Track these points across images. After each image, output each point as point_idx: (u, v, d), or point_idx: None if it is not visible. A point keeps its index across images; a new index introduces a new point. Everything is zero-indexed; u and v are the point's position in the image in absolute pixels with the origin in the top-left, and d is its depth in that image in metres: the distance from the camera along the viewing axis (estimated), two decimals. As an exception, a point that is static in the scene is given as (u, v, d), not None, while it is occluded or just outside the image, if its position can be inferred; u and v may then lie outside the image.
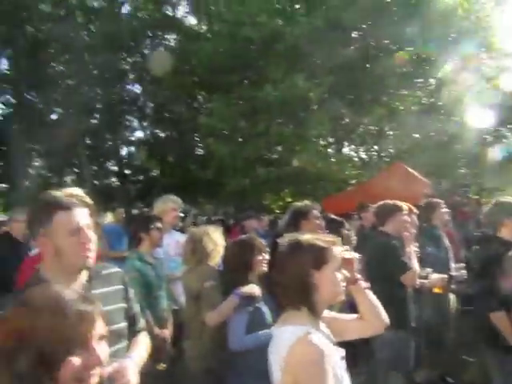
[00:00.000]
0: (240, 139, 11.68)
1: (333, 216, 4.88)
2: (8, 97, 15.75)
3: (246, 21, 10.50)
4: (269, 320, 2.87)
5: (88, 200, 1.86)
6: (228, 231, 6.15)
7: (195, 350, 3.11)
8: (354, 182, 14.59)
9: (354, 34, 13.93)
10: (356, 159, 16.21)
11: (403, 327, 3.31)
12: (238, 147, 10.90)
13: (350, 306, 2.31)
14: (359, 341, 2.27)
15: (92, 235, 1.72)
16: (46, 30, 14.64)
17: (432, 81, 13.90)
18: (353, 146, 16.57)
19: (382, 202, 3.84)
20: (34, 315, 1.01)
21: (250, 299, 2.85)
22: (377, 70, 11.51)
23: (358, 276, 1.80)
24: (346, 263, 1.73)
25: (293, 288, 1.62)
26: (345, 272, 1.72)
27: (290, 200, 15.21)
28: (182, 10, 17.00)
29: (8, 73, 15.44)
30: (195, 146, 17.00)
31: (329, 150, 15.33)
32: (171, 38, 16.86)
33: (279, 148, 11.86)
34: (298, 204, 4.04)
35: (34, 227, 1.68)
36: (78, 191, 1.86)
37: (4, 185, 17.02)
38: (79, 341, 1.03)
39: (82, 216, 1.70)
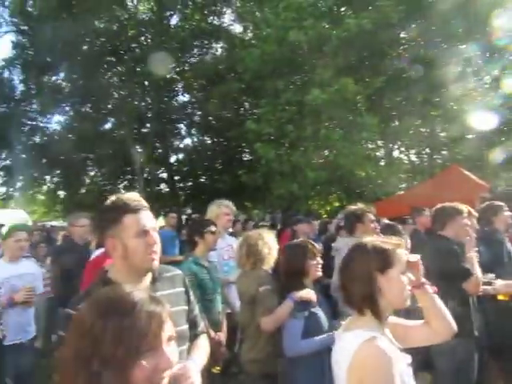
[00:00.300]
0: (287, 144, 11.66)
1: (386, 220, 4.77)
2: (67, 108, 16.60)
3: (293, 25, 10.50)
4: (325, 325, 2.83)
5: (147, 204, 1.91)
6: (278, 236, 6.14)
7: (251, 354, 3.10)
8: (404, 185, 14.21)
9: (403, 34, 13.61)
10: (406, 162, 15.77)
11: (466, 336, 3.15)
12: (286, 152, 10.88)
13: (406, 313, 2.23)
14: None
15: (157, 238, 1.77)
16: (100, 44, 15.36)
17: (487, 78, 13.30)
18: (403, 149, 16.16)
19: (440, 205, 3.68)
20: (104, 316, 1.00)
21: (305, 304, 2.82)
22: (427, 71, 11.14)
23: (424, 280, 1.74)
24: (411, 266, 1.68)
25: (357, 291, 1.59)
26: (410, 275, 1.66)
27: (337, 204, 15.02)
28: (227, 19, 17.32)
29: (64, 85, 16.30)
30: (243, 151, 17.18)
31: (378, 153, 15.01)
32: (218, 47, 17.20)
33: (327, 152, 11.73)
34: (352, 207, 3.98)
35: (102, 229, 1.73)
36: (138, 196, 1.91)
37: (62, 192, 17.96)
38: (150, 342, 1.01)
39: (149, 219, 1.75)
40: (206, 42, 16.88)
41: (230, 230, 6.44)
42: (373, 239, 1.67)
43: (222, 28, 16.80)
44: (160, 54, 13.76)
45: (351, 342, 1.52)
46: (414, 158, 16.58)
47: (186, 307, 1.92)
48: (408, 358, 1.61)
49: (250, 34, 16.29)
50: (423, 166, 15.53)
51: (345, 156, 10.52)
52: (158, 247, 1.77)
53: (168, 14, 16.05)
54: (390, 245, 1.62)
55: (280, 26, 10.99)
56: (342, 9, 13.35)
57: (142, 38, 16.08)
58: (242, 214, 16.27)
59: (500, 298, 3.81)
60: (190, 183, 18.54)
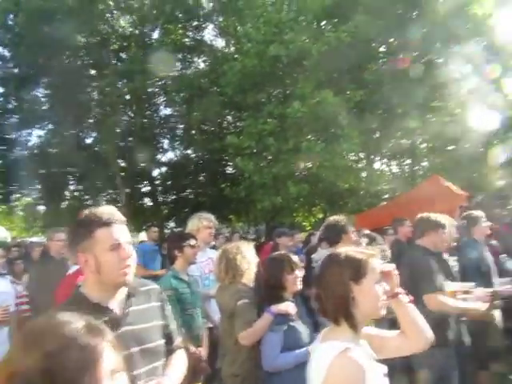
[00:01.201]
0: (269, 157, 11.73)
1: (366, 231, 4.81)
2: (46, 123, 16.40)
3: (274, 39, 10.64)
4: (305, 338, 2.81)
5: (123, 218, 1.89)
6: (259, 249, 6.13)
7: (232, 368, 3.06)
8: (386, 196, 14.35)
9: (383, 49, 13.90)
10: (388, 173, 15.97)
11: (445, 345, 3.17)
12: (267, 164, 10.92)
13: (391, 323, 2.23)
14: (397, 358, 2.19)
15: (131, 251, 1.74)
16: (81, 57, 15.32)
17: (463, 92, 13.61)
18: (385, 160, 16.37)
19: (424, 215, 3.74)
20: (29, 355, 0.87)
21: (284, 317, 2.81)
22: (405, 83, 11.37)
23: (399, 289, 1.74)
24: (386, 276, 1.69)
25: (331, 302, 1.59)
26: (385, 285, 1.67)
27: (321, 216, 15.09)
28: (209, 33, 17.46)
29: (45, 99, 16.14)
30: (226, 164, 17.18)
31: (360, 164, 15.18)
32: (200, 61, 17.29)
33: (310, 164, 11.83)
34: (335, 218, 3.98)
35: (74, 243, 1.71)
36: (113, 209, 1.90)
37: (42, 207, 17.66)
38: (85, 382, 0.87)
39: (122, 232, 1.73)
40: (188, 56, 16.96)
41: (213, 243, 6.43)
42: (347, 249, 1.67)
43: (204, 42, 16.92)
44: (142, 68, 13.78)
45: (325, 353, 1.52)
46: (395, 169, 16.82)
47: (162, 322, 1.89)
48: (384, 369, 1.61)
49: (232, 49, 16.46)
50: (405, 176, 15.74)
51: (326, 168, 10.61)
52: (132, 261, 1.75)
53: (149, 28, 16.11)
54: (363, 255, 1.63)
55: (261, 40, 11.13)
56: (323, 23, 13.61)
57: (124, 53, 16.09)
58: (226, 228, 16.27)
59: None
60: (173, 197, 18.44)
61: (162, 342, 1.85)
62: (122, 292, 1.78)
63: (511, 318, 4.43)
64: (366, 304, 1.58)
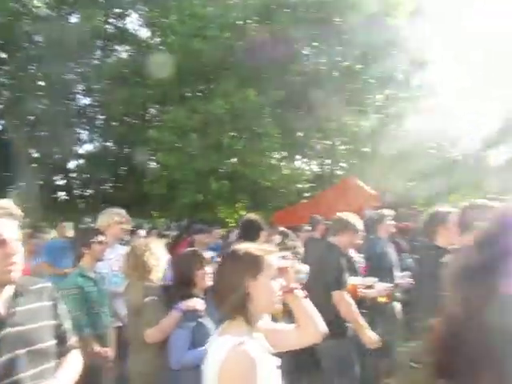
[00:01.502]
0: (192, 152, 11.61)
1: (281, 228, 4.94)
2: None
3: (198, 33, 10.53)
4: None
5: (17, 212, 1.77)
6: (177, 246, 6.05)
7: (138, 367, 3.00)
8: (308, 194, 14.85)
9: (306, 52, 14.33)
10: (309, 172, 16.52)
11: (342, 337, 3.36)
12: (189, 160, 10.81)
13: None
14: (304, 351, 2.27)
15: (19, 248, 1.65)
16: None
17: (379, 97, 14.48)
18: (306, 160, 16.90)
19: (340, 214, 3.93)
20: None
21: (193, 314, 2.79)
22: (328, 86, 11.83)
23: (295, 285, 1.80)
24: (282, 272, 1.74)
25: (228, 297, 1.61)
26: (281, 281, 1.72)
27: (245, 213, 15.23)
28: (134, 23, 16.86)
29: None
30: (148, 159, 16.71)
31: (282, 163, 15.54)
32: (123, 50, 16.62)
33: (232, 161, 11.90)
34: (251, 216, 4.07)
35: None
36: (6, 203, 1.78)
37: None
38: None
39: (7, 228, 1.63)
40: (109, 43, 16.25)
41: (129, 238, 6.23)
42: (246, 246, 1.70)
43: (127, 31, 16.30)
44: (59, 52, 12.96)
45: (220, 347, 1.54)
46: (316, 168, 17.43)
47: (54, 322, 1.81)
48: (277, 361, 1.66)
49: (157, 40, 16.01)
50: (324, 176, 16.37)
51: (247, 165, 10.74)
52: (19, 258, 1.65)
53: (67, 12, 15.18)
54: (261, 251, 1.67)
55: (185, 33, 10.95)
56: (249, 21, 13.71)
57: (37, 35, 15.00)
58: (147, 223, 15.83)
59: (380, 300, 4.12)
60: (91, 191, 17.58)
61: (53, 342, 1.77)
62: (8, 291, 1.67)
63: (410, 309, 4.78)
64: (262, 299, 1.62)
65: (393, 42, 12.47)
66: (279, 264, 1.72)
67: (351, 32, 11.98)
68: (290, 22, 11.37)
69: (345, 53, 12.72)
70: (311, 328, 1.80)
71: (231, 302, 1.60)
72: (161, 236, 8.65)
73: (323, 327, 1.83)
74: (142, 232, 9.33)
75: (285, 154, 15.02)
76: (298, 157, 16.17)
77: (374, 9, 11.69)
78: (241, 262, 1.63)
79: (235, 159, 11.42)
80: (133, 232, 7.63)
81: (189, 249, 3.24)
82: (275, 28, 11.24)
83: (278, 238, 4.42)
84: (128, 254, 3.17)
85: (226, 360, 1.48)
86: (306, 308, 1.81)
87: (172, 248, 5.48)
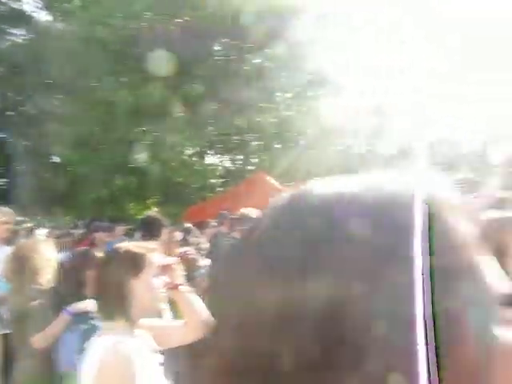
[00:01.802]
0: (98, 147, 11.05)
1: (186, 224, 4.91)
2: None
3: (100, 22, 9.99)
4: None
5: None
6: (79, 245, 5.74)
7: (24, 375, 2.82)
8: (221, 189, 14.90)
9: (217, 46, 14.34)
10: (220, 168, 16.57)
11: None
12: (93, 154, 10.27)
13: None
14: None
15: None
16: None
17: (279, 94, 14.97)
18: (218, 155, 16.93)
19: (243, 210, 4.04)
20: None
21: (85, 316, 2.68)
22: (236, 81, 11.94)
23: (179, 281, 1.81)
24: (166, 269, 1.74)
25: (109, 296, 1.58)
26: (165, 278, 1.72)
27: (156, 209, 14.87)
28: (32, 5, 15.57)
29: None
30: (50, 153, 15.61)
31: (194, 158, 15.41)
32: (19, 34, 15.29)
33: (140, 156, 11.54)
34: (152, 213, 4.00)
35: None
36: None
37: None
38: None
39: None
40: (4, 26, 14.86)
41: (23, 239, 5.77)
42: (127, 245, 1.68)
43: (25, 14, 15.03)
44: None
45: (98, 347, 1.51)
46: (228, 163, 17.54)
47: None
48: (160, 358, 1.66)
49: (59, 25, 14.95)
50: (236, 172, 16.53)
51: (155, 160, 10.48)
52: None
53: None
54: (142, 249, 1.66)
55: (87, 20, 10.34)
56: (157, 13, 13.34)
57: None
58: (49, 221, 14.80)
59: None
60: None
61: None
62: None
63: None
64: (143, 296, 1.61)
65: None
66: (162, 262, 1.72)
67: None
68: (199, 18, 11.28)
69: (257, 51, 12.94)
70: (198, 323, 1.82)
71: (112, 301, 1.57)
72: (65, 235, 8.16)
73: (210, 322, 1.86)
74: (42, 231, 8.73)
75: (196, 149, 14.92)
76: (210, 152, 16.15)
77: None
78: (121, 260, 1.60)
79: (144, 154, 11.07)
80: (31, 231, 7.17)
81: (80, 248, 3.10)
82: (185, 23, 11.06)
83: (179, 235, 4.39)
84: (11, 255, 2.94)
85: (103, 360, 1.46)
86: (191, 303, 1.82)
87: (76, 247, 5.19)
